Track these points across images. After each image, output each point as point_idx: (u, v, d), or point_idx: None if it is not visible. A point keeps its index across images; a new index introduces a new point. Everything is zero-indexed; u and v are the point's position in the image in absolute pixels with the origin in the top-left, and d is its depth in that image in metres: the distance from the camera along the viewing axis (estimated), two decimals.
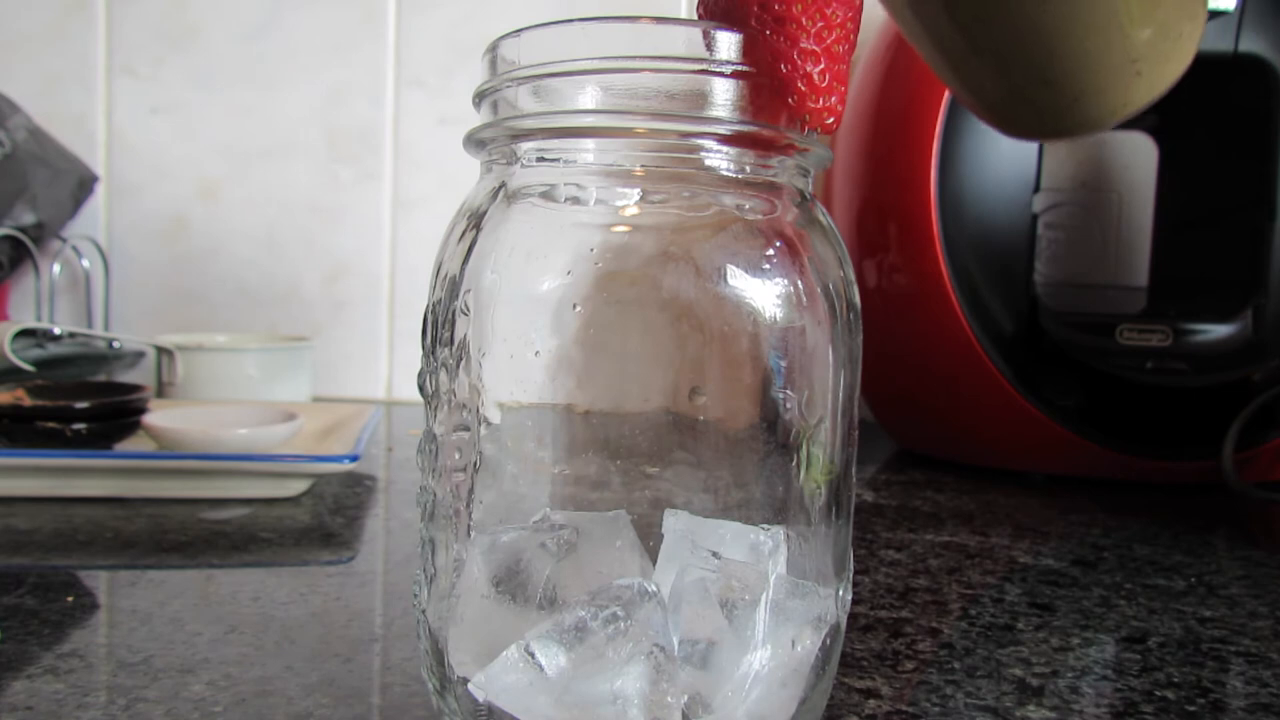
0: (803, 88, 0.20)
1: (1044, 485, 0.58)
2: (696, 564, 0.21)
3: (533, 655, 0.19)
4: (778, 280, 0.21)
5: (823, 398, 0.22)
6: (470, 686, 0.20)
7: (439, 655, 0.22)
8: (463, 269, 0.21)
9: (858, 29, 0.21)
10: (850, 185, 0.64)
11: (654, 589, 0.20)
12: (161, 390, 0.70)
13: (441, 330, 0.22)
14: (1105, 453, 0.57)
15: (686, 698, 0.19)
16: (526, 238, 0.21)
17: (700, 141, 0.20)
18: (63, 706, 0.24)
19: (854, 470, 0.23)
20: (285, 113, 0.84)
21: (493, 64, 0.22)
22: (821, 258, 0.22)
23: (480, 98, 0.22)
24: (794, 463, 0.22)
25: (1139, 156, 0.75)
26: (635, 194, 0.21)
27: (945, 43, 0.20)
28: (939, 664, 0.30)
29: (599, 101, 0.20)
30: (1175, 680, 0.29)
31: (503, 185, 0.22)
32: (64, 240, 0.80)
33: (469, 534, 0.22)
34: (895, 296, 0.60)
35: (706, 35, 0.20)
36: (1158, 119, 0.72)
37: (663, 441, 0.21)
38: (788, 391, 0.21)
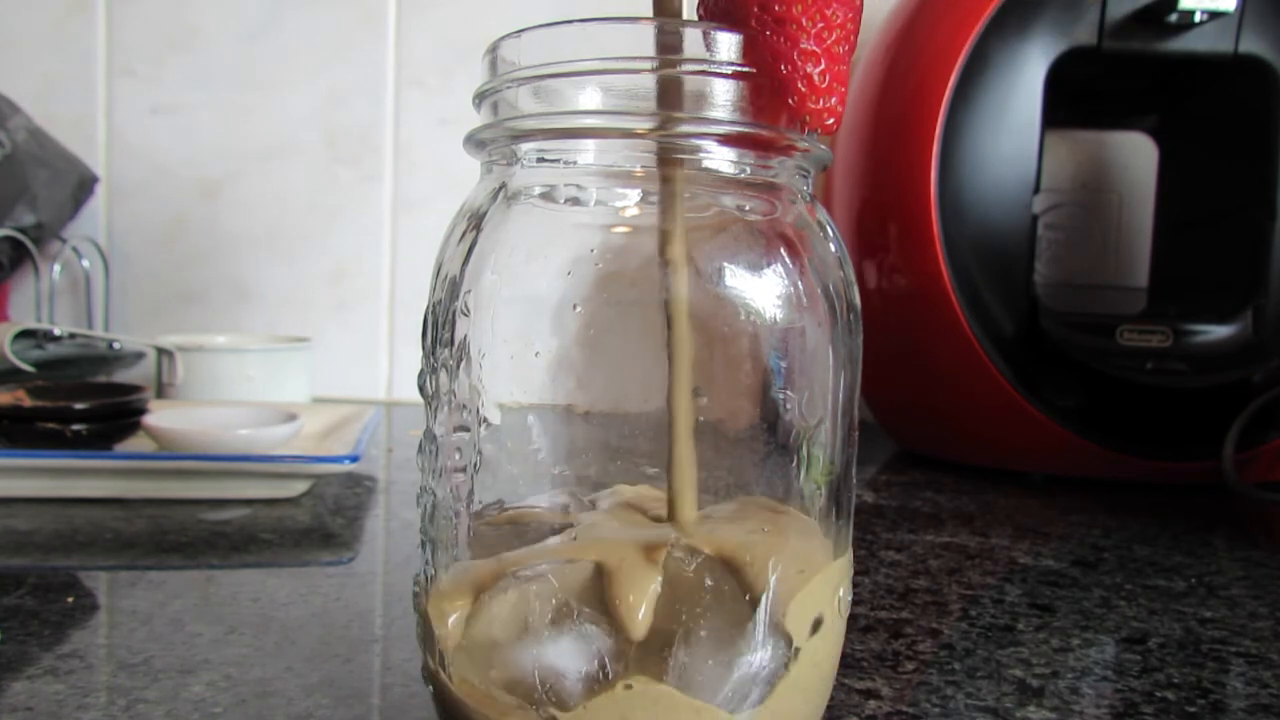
0: (803, 88, 0.20)
1: (1044, 485, 0.58)
2: (696, 563, 0.21)
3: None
4: (778, 281, 0.21)
5: (823, 398, 0.22)
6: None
7: (438, 656, 0.22)
8: (463, 270, 0.21)
9: (858, 29, 0.21)
10: (850, 185, 0.64)
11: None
12: (161, 391, 0.70)
13: (441, 331, 0.22)
14: (1105, 453, 0.57)
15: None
16: (527, 238, 0.21)
17: (700, 142, 0.20)
18: (63, 707, 0.24)
19: (854, 471, 0.23)
20: (285, 113, 0.84)
21: (493, 65, 0.22)
22: (821, 258, 0.22)
23: (480, 98, 0.22)
24: (794, 463, 0.22)
25: (1139, 156, 0.76)
26: (635, 195, 0.21)
27: None
28: (939, 665, 0.30)
29: (599, 102, 0.20)
30: (1175, 681, 0.29)
31: (503, 186, 0.22)
32: (64, 241, 0.80)
33: (469, 534, 0.22)
34: (895, 296, 0.60)
35: (706, 35, 0.20)
36: (1158, 119, 0.72)
37: (663, 442, 0.21)
38: (788, 392, 0.21)
